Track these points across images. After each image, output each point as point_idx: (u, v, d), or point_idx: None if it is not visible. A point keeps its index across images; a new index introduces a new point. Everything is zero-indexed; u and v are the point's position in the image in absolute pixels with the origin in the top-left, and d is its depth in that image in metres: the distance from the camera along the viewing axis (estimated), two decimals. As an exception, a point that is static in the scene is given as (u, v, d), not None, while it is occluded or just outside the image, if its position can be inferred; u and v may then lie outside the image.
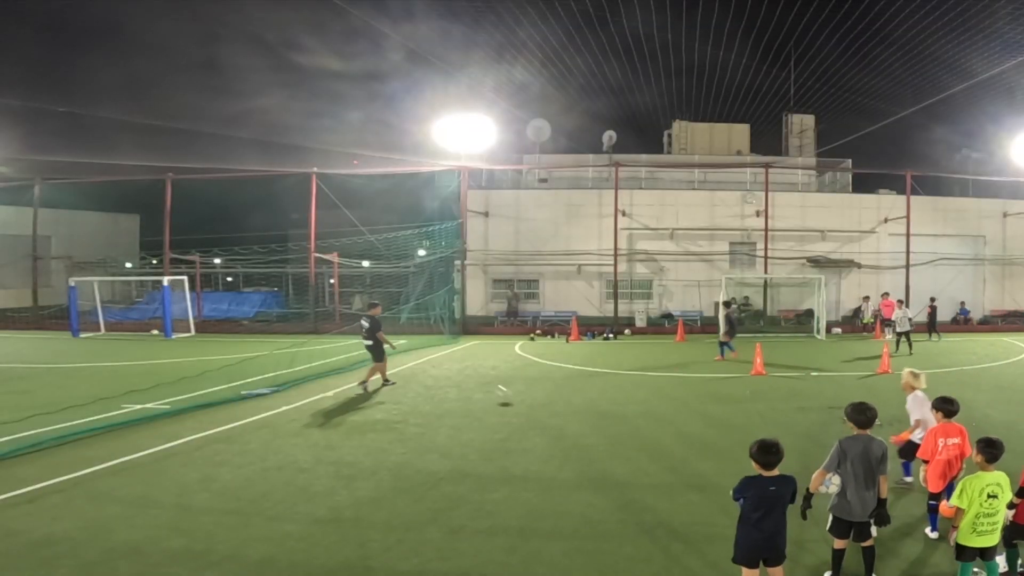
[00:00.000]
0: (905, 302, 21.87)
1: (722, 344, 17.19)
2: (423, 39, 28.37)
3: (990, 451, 4.48)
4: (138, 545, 5.44)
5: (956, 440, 5.42)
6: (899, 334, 18.90)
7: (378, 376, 13.05)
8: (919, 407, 6.47)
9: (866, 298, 25.72)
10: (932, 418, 5.96)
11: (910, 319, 19.01)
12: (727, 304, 18.07)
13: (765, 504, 4.11)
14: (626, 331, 24.75)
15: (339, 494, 6.72)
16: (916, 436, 6.45)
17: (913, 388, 6.68)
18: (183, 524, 5.90)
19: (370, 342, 12.93)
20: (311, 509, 6.30)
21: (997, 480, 4.40)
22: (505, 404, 11.32)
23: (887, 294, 24.38)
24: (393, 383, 13.19)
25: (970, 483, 4.38)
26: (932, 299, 22.99)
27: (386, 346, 13.05)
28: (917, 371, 6.80)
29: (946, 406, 5.57)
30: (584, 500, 6.55)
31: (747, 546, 4.16)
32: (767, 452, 4.19)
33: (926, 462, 5.71)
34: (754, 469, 4.22)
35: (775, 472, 4.19)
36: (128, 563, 5.13)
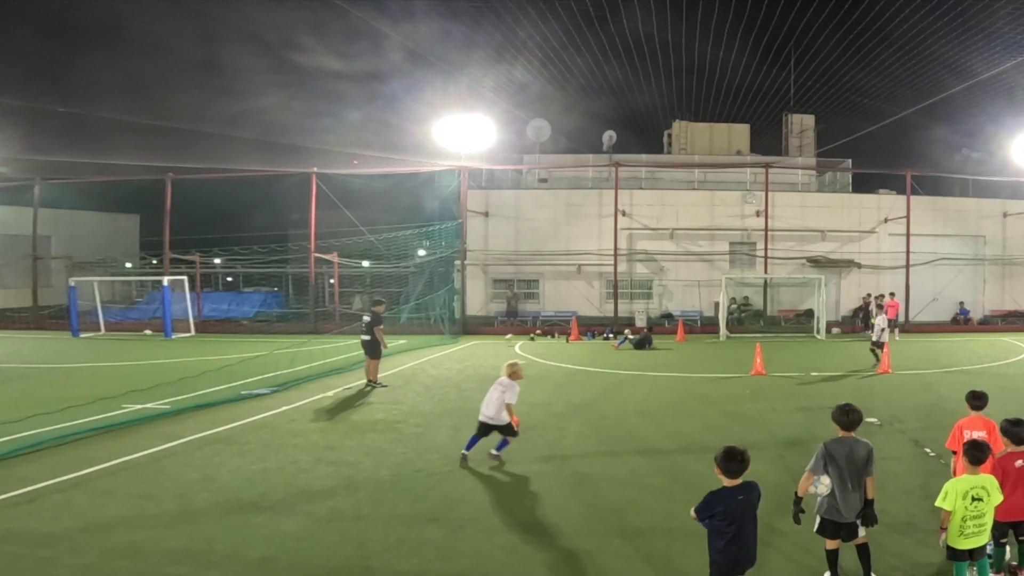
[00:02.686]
0: (881, 307, 21.61)
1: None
2: (423, 39, 28.36)
3: (974, 453, 4.43)
4: (138, 545, 5.44)
5: (981, 433, 5.45)
6: (873, 343, 15.95)
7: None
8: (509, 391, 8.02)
9: (880, 295, 24.55)
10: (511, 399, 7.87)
11: (883, 329, 16.06)
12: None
13: (736, 516, 3.95)
14: (626, 331, 24.74)
15: (339, 494, 6.72)
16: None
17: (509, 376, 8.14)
18: (183, 524, 5.90)
19: (367, 337, 13.05)
20: (311, 509, 6.29)
21: (982, 483, 4.35)
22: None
23: (892, 294, 24.26)
24: (384, 386, 13.10)
25: (953, 486, 4.33)
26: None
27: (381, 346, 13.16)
28: (514, 364, 8.32)
29: (973, 400, 5.67)
30: (584, 500, 6.55)
31: (725, 563, 3.97)
32: (732, 459, 4.00)
33: (955, 453, 5.76)
34: (717, 478, 4.06)
35: (738, 480, 4.04)
36: (128, 563, 5.13)
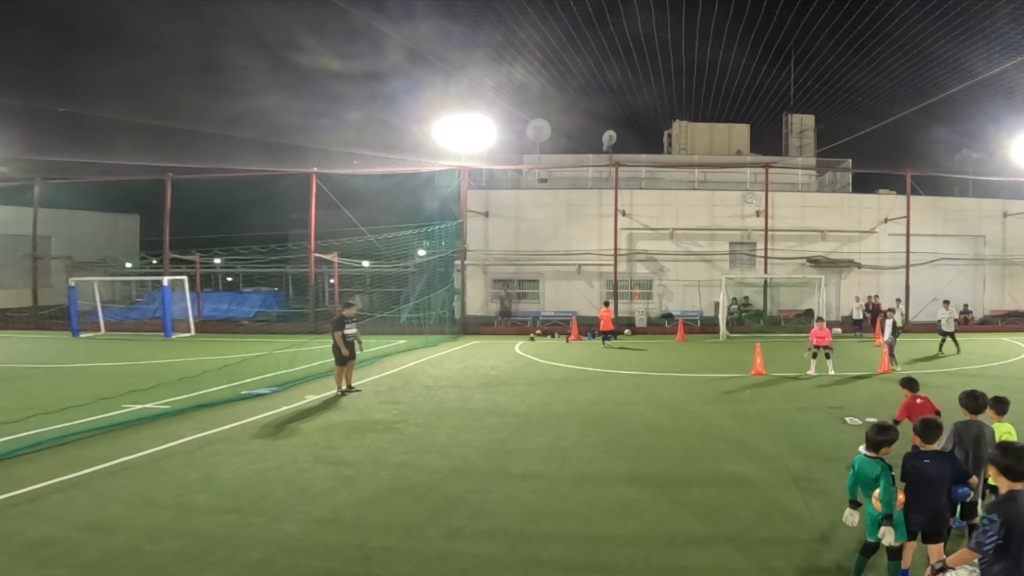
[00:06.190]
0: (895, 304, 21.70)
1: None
2: (423, 39, 28.33)
3: (999, 406, 5.50)
4: (138, 545, 5.44)
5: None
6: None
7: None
8: None
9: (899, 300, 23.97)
10: None
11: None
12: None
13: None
14: (626, 331, 24.75)
15: (339, 494, 6.72)
16: None
17: None
18: (183, 524, 5.90)
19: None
20: (311, 509, 6.29)
21: (1007, 429, 5.34)
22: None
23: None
24: (356, 391, 12.43)
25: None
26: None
27: (358, 351, 12.42)
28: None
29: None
30: (584, 500, 6.54)
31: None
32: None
33: None
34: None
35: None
36: (128, 563, 5.13)
